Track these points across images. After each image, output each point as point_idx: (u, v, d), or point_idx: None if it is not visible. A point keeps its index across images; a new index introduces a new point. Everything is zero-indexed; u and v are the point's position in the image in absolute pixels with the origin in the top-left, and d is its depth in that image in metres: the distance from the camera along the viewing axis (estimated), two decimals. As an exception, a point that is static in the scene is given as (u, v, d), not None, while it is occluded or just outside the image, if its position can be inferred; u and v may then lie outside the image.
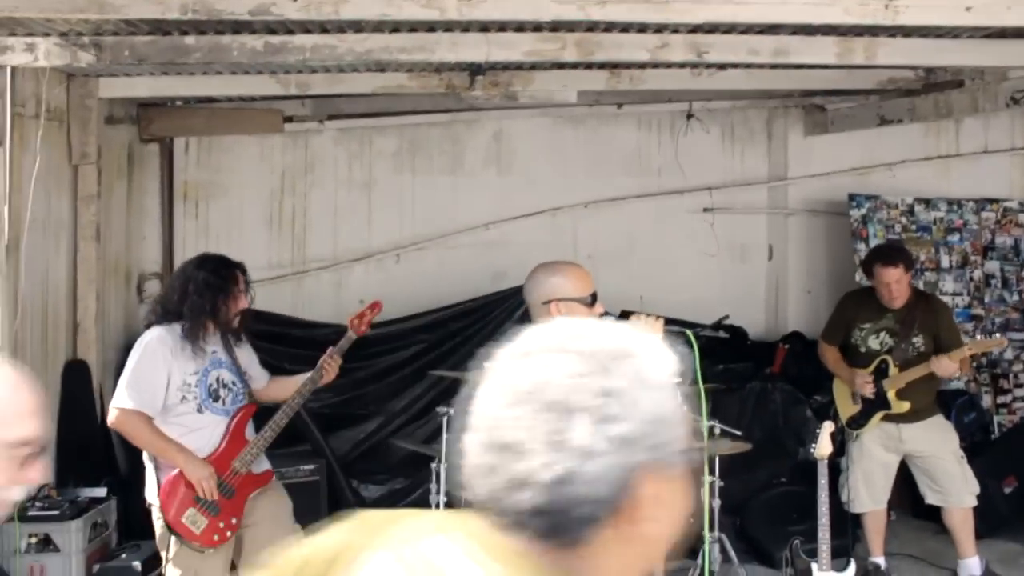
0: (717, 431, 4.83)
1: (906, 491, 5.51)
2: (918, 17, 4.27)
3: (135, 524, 5.21)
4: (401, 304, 6.41)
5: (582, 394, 0.99)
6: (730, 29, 4.76)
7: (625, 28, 4.69)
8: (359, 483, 6.28)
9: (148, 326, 3.90)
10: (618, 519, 1.00)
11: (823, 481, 4.45)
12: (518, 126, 7.19)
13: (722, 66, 5.75)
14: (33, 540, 4.59)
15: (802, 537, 4.60)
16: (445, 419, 4.68)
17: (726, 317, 6.15)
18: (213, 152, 6.96)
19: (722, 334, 6.74)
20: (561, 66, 5.57)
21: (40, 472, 1.52)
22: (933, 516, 5.38)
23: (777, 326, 7.33)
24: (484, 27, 4.64)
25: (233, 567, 3.94)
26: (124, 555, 4.62)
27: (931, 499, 5.17)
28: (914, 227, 7.00)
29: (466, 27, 4.62)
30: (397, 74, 5.78)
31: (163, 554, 3.84)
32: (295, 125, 6.93)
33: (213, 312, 3.83)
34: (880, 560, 5.21)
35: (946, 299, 6.49)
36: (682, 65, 5.64)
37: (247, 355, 4.08)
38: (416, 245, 7.03)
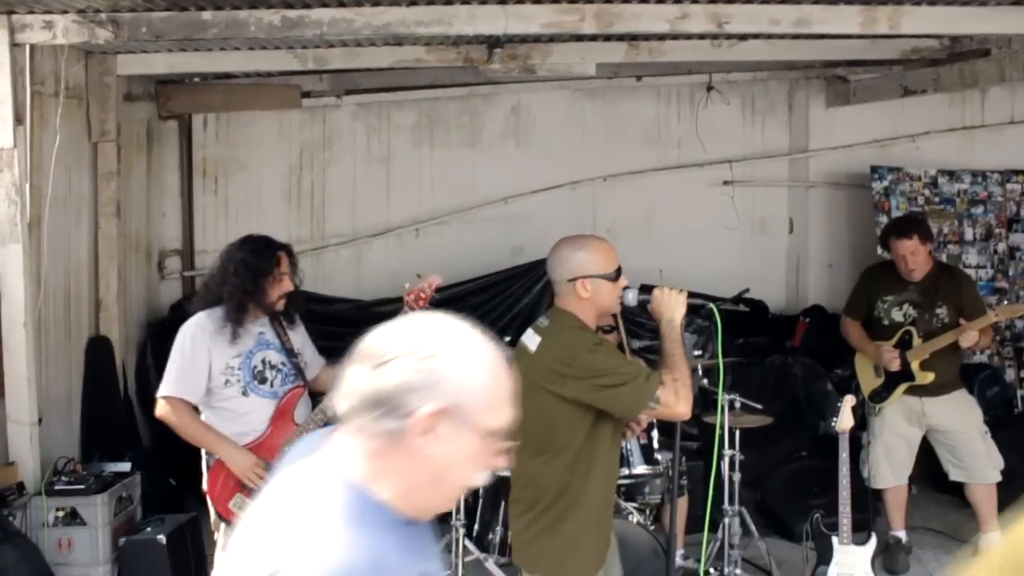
0: (738, 405, 4.82)
1: (927, 465, 5.47)
2: (944, -16, 4.20)
3: (159, 499, 5.30)
4: (420, 279, 6.42)
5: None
6: (751, -2, 4.71)
7: (644, -1, 4.65)
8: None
9: (193, 312, 3.80)
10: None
11: (844, 455, 4.43)
12: (536, 99, 7.15)
13: (743, 36, 5.68)
14: (60, 514, 4.65)
15: (822, 511, 4.59)
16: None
17: (746, 291, 6.10)
18: (231, 128, 6.97)
19: (742, 308, 6.71)
20: (579, 38, 5.52)
21: (506, 458, 1.48)
22: (955, 490, 5.34)
23: (798, 300, 7.30)
24: (502, -1, 4.61)
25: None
26: (149, 528, 4.67)
27: (955, 475, 5.12)
28: (937, 199, 6.91)
29: (483, -1, 4.59)
30: (415, 48, 5.75)
31: (216, 539, 3.82)
32: (313, 100, 6.93)
33: (253, 293, 3.72)
34: (902, 534, 5.19)
35: (969, 272, 6.41)
36: (702, 36, 5.58)
37: (300, 338, 3.97)
38: (435, 220, 7.03)
